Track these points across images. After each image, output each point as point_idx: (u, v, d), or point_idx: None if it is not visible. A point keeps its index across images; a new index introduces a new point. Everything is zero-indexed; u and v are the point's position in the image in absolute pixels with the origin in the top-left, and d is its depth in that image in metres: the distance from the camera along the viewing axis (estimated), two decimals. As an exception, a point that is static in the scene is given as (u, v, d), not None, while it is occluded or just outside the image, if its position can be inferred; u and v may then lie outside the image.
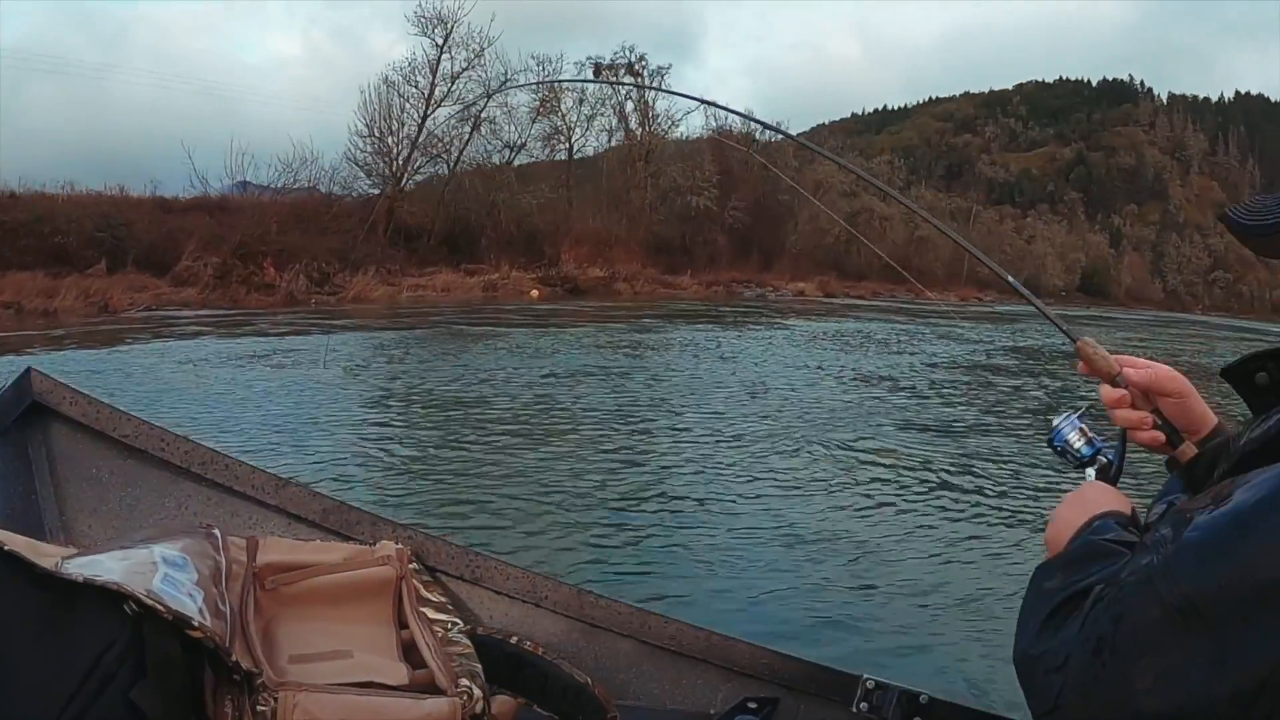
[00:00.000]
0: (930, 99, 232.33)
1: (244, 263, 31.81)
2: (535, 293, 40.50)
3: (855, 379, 18.29)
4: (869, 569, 7.16)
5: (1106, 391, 1.56)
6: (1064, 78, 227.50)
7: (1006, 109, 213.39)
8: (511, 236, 47.12)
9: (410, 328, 24.09)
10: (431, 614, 2.10)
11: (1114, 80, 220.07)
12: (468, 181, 48.95)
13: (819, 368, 19.90)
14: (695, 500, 8.74)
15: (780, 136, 72.72)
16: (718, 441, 11.34)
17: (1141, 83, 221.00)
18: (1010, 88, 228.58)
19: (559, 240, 48.31)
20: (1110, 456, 1.56)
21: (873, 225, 72.79)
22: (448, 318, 27.20)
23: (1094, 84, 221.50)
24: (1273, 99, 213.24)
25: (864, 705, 2.13)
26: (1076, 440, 1.59)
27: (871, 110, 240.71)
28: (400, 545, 2.23)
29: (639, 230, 55.79)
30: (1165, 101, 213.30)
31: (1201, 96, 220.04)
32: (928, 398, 16.40)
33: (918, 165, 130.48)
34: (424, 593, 2.17)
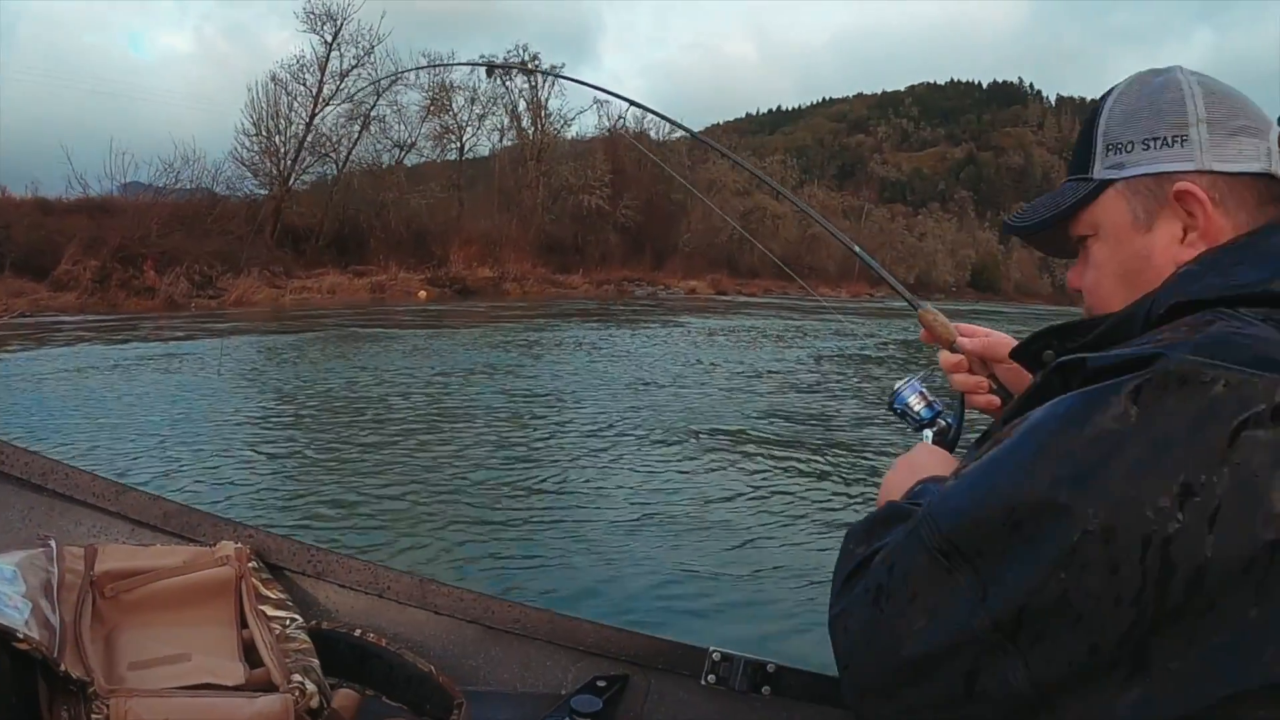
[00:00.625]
0: (824, 100, 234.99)
1: (124, 266, 30.95)
2: (423, 294, 40.16)
3: (737, 374, 18.53)
4: (729, 551, 7.39)
5: (945, 357, 1.66)
6: (955, 79, 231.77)
7: (899, 109, 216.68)
8: (401, 237, 46.60)
9: (292, 331, 23.70)
10: (270, 611, 2.05)
11: (1004, 82, 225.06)
12: (356, 181, 48.27)
13: (705, 364, 20.11)
14: (567, 493, 8.91)
15: (676, 135, 73.06)
16: (593, 436, 11.47)
17: (1030, 85, 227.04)
18: (902, 89, 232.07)
19: (449, 241, 47.95)
20: (949, 420, 1.61)
21: (765, 223, 73.22)
22: (332, 320, 26.87)
23: (984, 86, 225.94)
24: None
25: (711, 677, 2.14)
26: (916, 403, 1.64)
27: (766, 111, 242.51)
28: (240, 545, 2.18)
29: (530, 230, 55.52)
30: (1054, 103, 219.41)
31: (1089, 98, 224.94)
32: (808, 391, 16.73)
33: (810, 165, 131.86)
34: (263, 591, 2.12)
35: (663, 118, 2.44)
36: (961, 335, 1.65)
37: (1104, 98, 1.24)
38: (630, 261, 60.42)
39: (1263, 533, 0.82)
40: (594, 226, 60.34)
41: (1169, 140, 1.15)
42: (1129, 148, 1.18)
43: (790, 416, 13.65)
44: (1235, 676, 0.83)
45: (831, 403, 15.35)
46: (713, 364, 20.22)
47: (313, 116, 46.72)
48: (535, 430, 11.87)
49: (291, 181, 45.91)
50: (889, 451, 11.09)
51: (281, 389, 14.50)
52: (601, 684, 2.14)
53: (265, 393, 14.11)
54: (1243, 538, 0.82)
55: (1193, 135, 1.14)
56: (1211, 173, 1.13)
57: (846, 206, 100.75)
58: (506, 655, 2.30)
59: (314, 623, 2.14)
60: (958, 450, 1.57)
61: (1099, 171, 1.20)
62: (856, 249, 2.00)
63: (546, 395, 14.64)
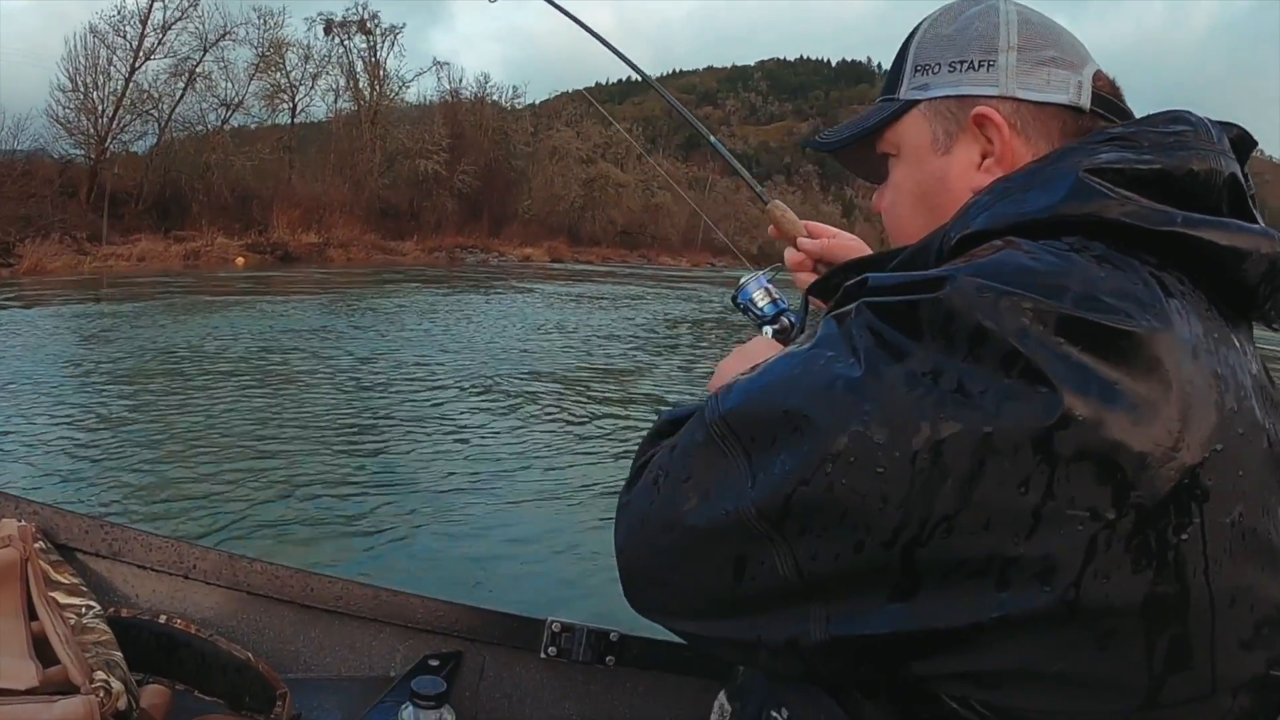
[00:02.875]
0: (675, 71, 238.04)
1: (-89, 233, 29.02)
2: (241, 260, 38.44)
3: (570, 340, 18.38)
4: (564, 517, 7.29)
5: (790, 254, 1.64)
6: (805, 56, 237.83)
7: (748, 84, 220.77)
8: (225, 202, 44.66)
9: (86, 301, 22.21)
10: (63, 599, 1.81)
11: (852, 61, 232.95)
12: (179, 142, 46.43)
13: (528, 330, 19.90)
14: (395, 463, 8.77)
15: (518, 103, 72.60)
16: (420, 405, 11.31)
17: (879, 65, 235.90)
18: (753, 64, 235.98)
19: (275, 205, 46.24)
20: (792, 318, 1.54)
21: (609, 191, 73.62)
22: (133, 289, 25.18)
23: (833, 64, 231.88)
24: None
25: (552, 649, 2.10)
26: (761, 299, 1.60)
27: (616, 80, 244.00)
28: (24, 522, 1.94)
29: (363, 194, 54.24)
30: None
31: None
32: (644, 354, 16.97)
33: (657, 135, 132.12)
34: (54, 575, 1.87)
35: (638, 71, 2.22)
36: (809, 233, 1.64)
37: (922, 22, 1.24)
38: (467, 228, 59.51)
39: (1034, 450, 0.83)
40: (430, 192, 59.31)
41: (975, 64, 1.15)
42: (936, 69, 1.18)
43: (626, 379, 13.85)
44: (996, 605, 0.83)
45: (669, 364, 15.71)
46: (544, 330, 20.16)
47: (133, 71, 44.38)
48: (355, 400, 11.50)
49: (109, 141, 43.32)
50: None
51: (69, 361, 13.46)
52: (434, 662, 2.05)
53: (53, 365, 13.00)
54: (1014, 452, 0.83)
55: (1000, 61, 1.13)
56: (1015, 99, 1.13)
57: (692, 177, 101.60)
58: (329, 637, 2.15)
59: (112, 610, 1.95)
60: None
61: (905, 92, 1.21)
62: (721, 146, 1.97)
63: (353, 366, 14.12)
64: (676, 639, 2.22)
